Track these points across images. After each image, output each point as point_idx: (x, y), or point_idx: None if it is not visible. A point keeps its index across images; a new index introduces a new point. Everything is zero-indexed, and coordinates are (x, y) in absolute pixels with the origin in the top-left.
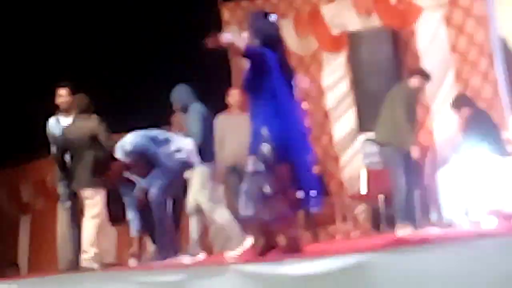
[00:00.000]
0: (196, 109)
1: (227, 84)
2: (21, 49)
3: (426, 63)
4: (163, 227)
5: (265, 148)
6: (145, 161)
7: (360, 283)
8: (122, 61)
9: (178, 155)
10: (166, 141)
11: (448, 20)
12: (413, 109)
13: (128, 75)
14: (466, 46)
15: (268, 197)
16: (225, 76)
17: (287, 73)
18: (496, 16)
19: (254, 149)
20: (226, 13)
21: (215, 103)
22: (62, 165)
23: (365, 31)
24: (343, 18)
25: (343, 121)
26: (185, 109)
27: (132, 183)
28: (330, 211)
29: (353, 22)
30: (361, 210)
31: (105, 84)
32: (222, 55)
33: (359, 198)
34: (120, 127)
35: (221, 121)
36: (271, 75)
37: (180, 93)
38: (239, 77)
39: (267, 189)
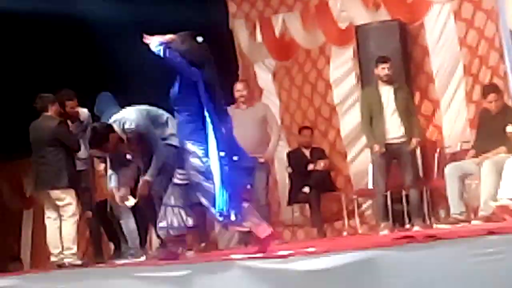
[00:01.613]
0: (107, 115)
1: (234, 78)
2: (35, 42)
3: (435, 57)
4: None
5: (194, 161)
6: (142, 140)
7: (367, 279)
8: (125, 54)
9: (172, 141)
10: (165, 123)
11: (457, 14)
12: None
13: (131, 68)
14: (475, 40)
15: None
16: (233, 70)
17: (215, 92)
18: (506, 9)
19: (181, 163)
20: (232, 6)
21: (223, 97)
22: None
23: (373, 24)
24: (350, 11)
25: (351, 116)
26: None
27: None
28: (337, 207)
29: (360, 15)
30: (368, 205)
31: (109, 79)
32: (229, 49)
33: (366, 193)
34: None
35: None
36: (197, 92)
37: (98, 101)
38: (246, 71)
39: (198, 199)
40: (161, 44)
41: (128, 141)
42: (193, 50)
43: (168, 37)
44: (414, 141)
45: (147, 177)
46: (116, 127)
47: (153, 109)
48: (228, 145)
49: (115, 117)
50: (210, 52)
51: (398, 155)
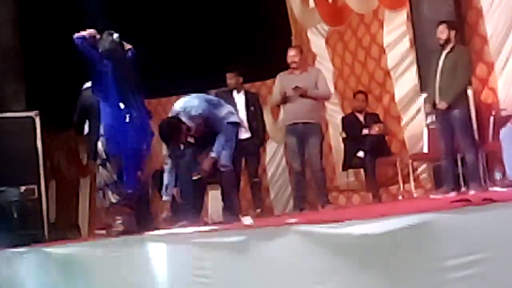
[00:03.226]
0: None
1: (287, 44)
2: None
3: (489, 19)
4: (232, 193)
5: (100, 142)
6: (205, 125)
7: (423, 243)
8: (176, 23)
9: (232, 118)
10: (219, 104)
11: None
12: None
13: (180, 38)
14: None
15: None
16: (286, 36)
17: (127, 83)
18: None
19: (95, 143)
20: None
21: (277, 63)
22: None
23: None
24: None
25: (404, 80)
26: None
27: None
28: (392, 171)
29: None
30: (423, 169)
31: (157, 47)
32: (282, 15)
33: (421, 157)
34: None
35: (282, 80)
36: (107, 81)
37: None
38: (299, 37)
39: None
40: (82, 37)
41: (195, 127)
42: (107, 45)
43: (88, 32)
44: (441, 105)
45: (212, 154)
46: (183, 117)
47: (204, 95)
48: (135, 132)
49: (177, 108)
50: (267, 20)
51: (450, 118)
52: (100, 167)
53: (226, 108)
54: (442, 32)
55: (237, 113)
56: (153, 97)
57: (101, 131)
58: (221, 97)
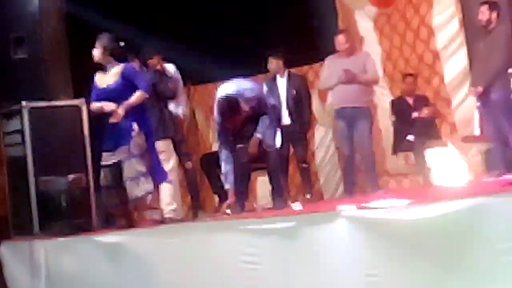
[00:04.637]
0: None
1: (334, 27)
2: None
3: None
4: (279, 176)
5: (139, 138)
6: (256, 107)
7: (475, 227)
8: (221, 8)
9: (271, 100)
10: (257, 87)
11: None
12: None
13: (225, 23)
14: None
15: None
16: (332, 19)
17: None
18: None
19: (127, 140)
20: None
21: (324, 46)
22: None
23: None
24: None
25: (454, 62)
26: None
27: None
28: None
29: None
30: (474, 152)
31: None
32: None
33: (472, 140)
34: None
35: (330, 64)
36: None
37: None
38: (346, 20)
39: (143, 168)
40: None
41: (248, 110)
42: (114, 47)
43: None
44: (478, 89)
45: (258, 134)
46: (241, 102)
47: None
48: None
49: (230, 92)
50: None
51: (489, 102)
52: (134, 159)
53: (264, 91)
54: (483, 13)
55: (279, 97)
56: (198, 83)
57: (135, 129)
58: (267, 83)
